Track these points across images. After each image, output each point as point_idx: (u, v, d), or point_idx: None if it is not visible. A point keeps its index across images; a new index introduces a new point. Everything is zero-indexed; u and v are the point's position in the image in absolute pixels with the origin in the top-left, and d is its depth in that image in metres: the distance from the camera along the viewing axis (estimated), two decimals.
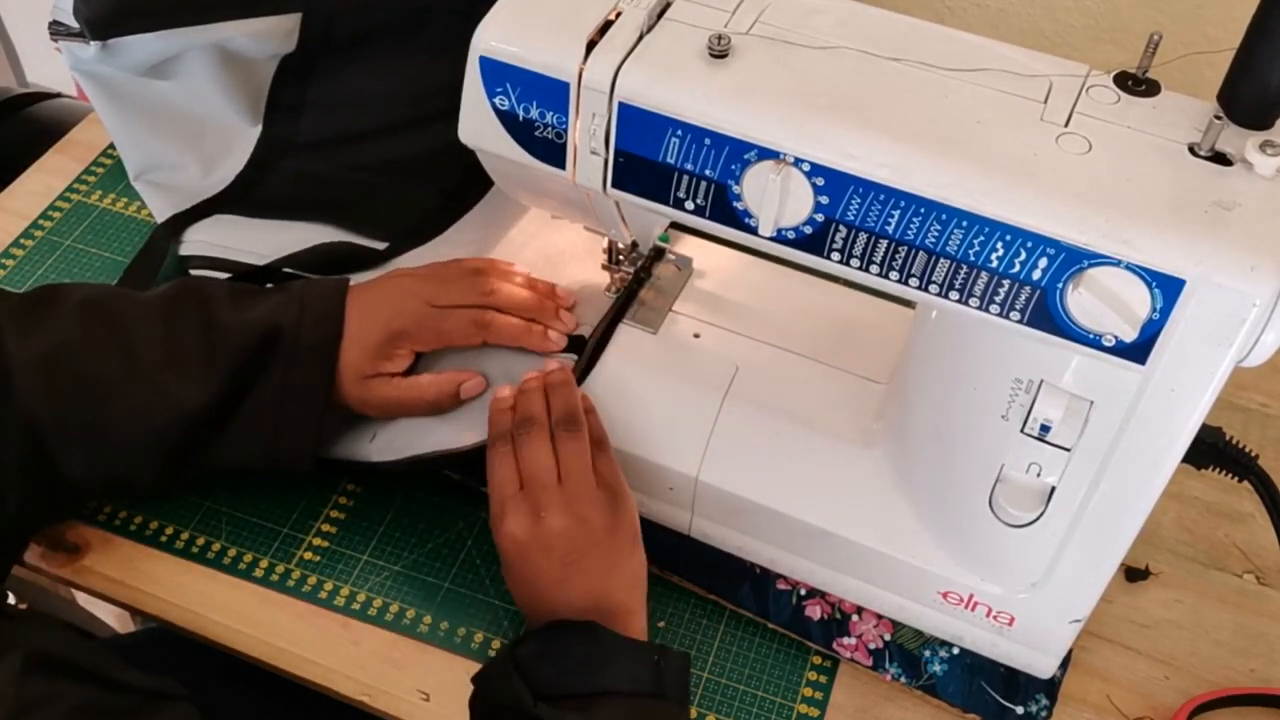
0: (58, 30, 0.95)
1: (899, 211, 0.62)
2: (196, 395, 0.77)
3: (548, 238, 0.94)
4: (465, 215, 0.98)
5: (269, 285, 0.86)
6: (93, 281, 0.82)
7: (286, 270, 0.94)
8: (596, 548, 0.74)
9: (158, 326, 0.78)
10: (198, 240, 0.98)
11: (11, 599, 0.69)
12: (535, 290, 0.86)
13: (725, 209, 0.66)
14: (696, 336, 0.85)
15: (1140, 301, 0.59)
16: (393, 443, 0.84)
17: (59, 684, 0.62)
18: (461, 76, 0.69)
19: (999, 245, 0.60)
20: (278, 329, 0.78)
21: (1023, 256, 0.60)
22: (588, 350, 0.84)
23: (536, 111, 0.67)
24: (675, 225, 0.88)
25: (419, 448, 0.83)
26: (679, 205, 0.67)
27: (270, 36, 0.95)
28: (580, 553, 0.73)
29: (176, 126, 1.02)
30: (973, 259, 0.61)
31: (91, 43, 0.92)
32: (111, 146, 1.10)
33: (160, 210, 1.01)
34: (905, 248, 0.63)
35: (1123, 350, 0.61)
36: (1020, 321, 0.62)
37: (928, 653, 0.81)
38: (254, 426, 0.79)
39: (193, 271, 0.96)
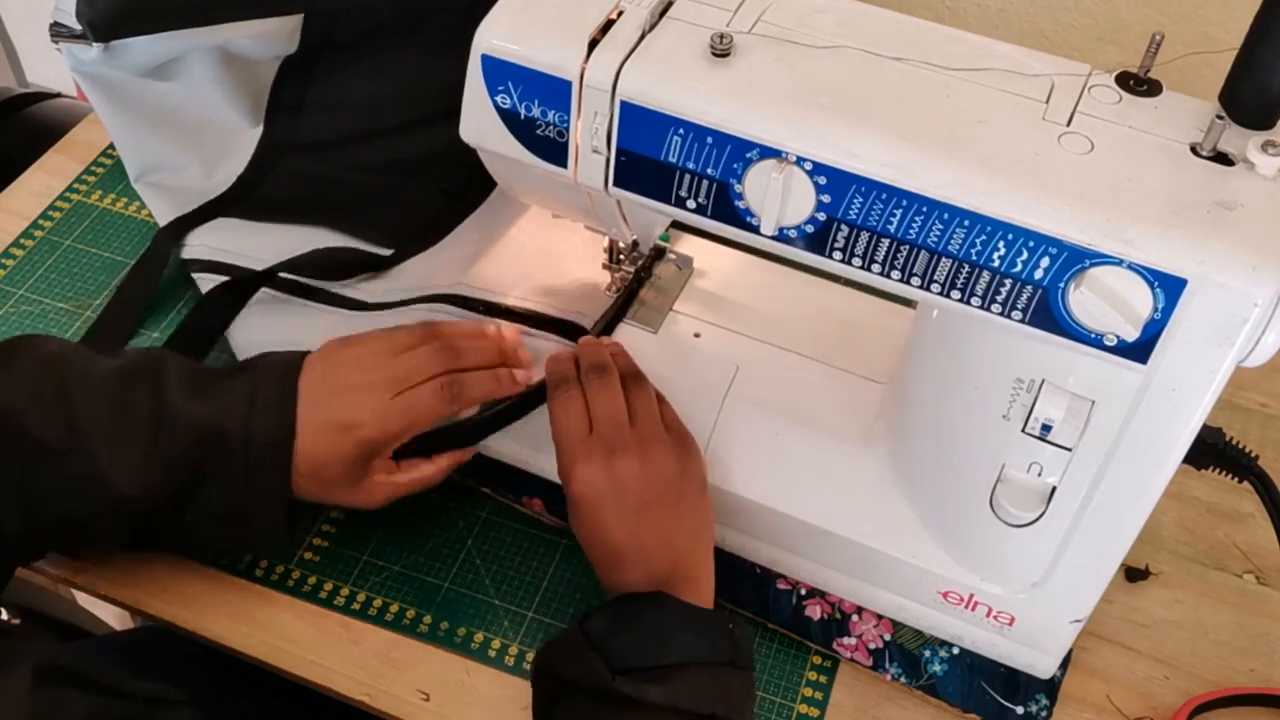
0: (59, 32, 0.95)
1: (901, 211, 0.62)
2: (131, 481, 0.72)
3: (548, 238, 0.94)
4: (468, 218, 0.98)
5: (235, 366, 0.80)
6: (59, 338, 0.77)
7: (283, 276, 0.93)
8: (669, 491, 0.74)
9: (106, 399, 0.73)
10: (200, 244, 0.98)
11: (4, 614, 0.69)
12: (487, 337, 0.82)
13: (727, 208, 0.66)
14: (697, 336, 0.85)
15: (1142, 301, 0.59)
16: None
17: (67, 693, 0.62)
18: (463, 76, 0.69)
19: (1001, 245, 0.60)
20: (222, 432, 0.73)
21: (1024, 256, 0.60)
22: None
23: (538, 110, 0.67)
24: (676, 225, 0.88)
25: None
26: (681, 204, 0.67)
27: (272, 38, 0.95)
28: (653, 496, 0.73)
29: (177, 127, 1.02)
30: (974, 258, 0.61)
31: (94, 44, 0.92)
32: (111, 146, 1.09)
33: (161, 212, 1.01)
34: (907, 247, 0.63)
35: (1124, 350, 0.61)
36: (1022, 321, 0.62)
37: (928, 653, 0.81)
38: (216, 522, 0.75)
39: (195, 275, 0.96)
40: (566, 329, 0.85)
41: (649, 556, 0.73)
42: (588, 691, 0.68)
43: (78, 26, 0.93)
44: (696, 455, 0.77)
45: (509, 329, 0.84)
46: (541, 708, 0.72)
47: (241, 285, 0.93)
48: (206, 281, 0.95)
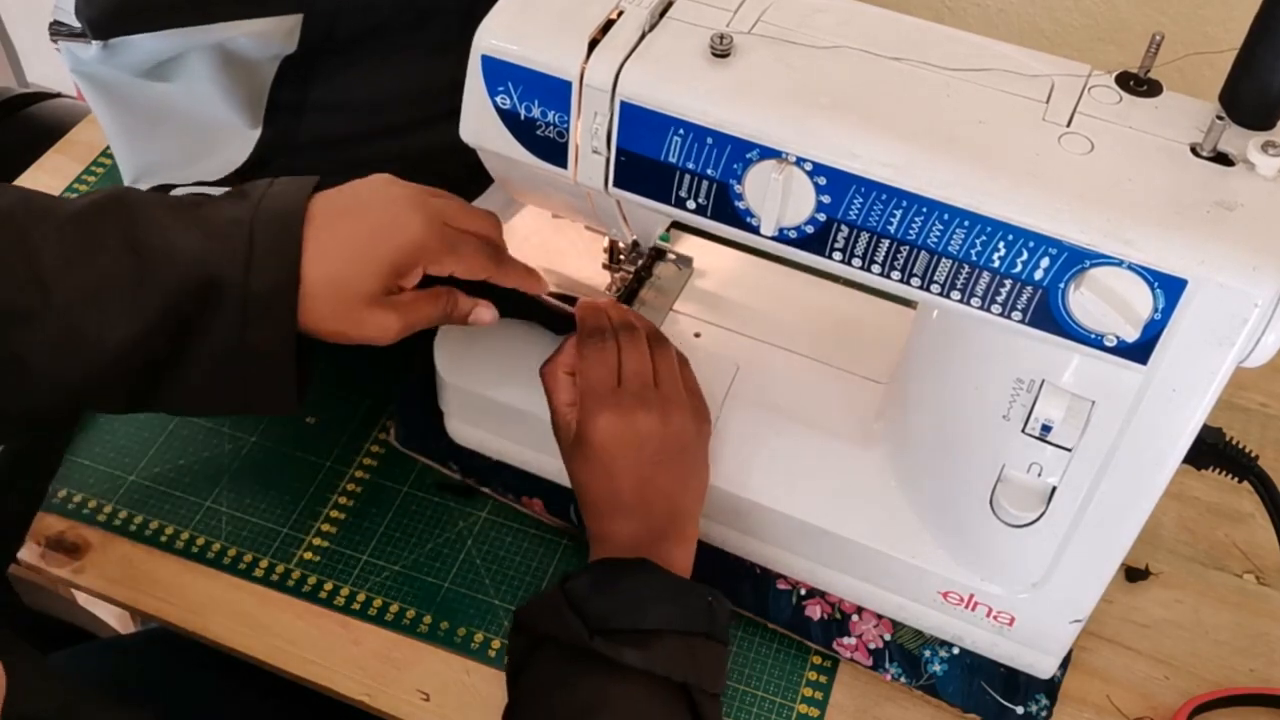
0: (58, 31, 0.94)
1: (901, 211, 0.62)
2: (118, 334, 0.65)
3: (548, 237, 0.93)
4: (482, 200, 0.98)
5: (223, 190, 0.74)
6: (18, 186, 0.70)
7: None
8: (683, 453, 0.75)
9: (74, 248, 0.66)
10: None
11: None
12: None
13: (727, 208, 0.66)
14: (697, 336, 0.85)
15: (1142, 301, 0.59)
16: None
17: None
18: (462, 76, 0.69)
19: (1001, 245, 0.60)
20: (218, 282, 0.66)
21: (1024, 256, 0.60)
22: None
23: (538, 110, 0.67)
24: (676, 225, 0.88)
25: None
26: (680, 204, 0.67)
27: (271, 37, 0.95)
28: (666, 454, 0.74)
29: (175, 128, 1.01)
30: (974, 259, 0.61)
31: (93, 43, 0.92)
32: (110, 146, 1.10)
33: None
34: (907, 247, 0.63)
35: (1124, 350, 0.61)
36: (1022, 321, 0.62)
37: (928, 653, 0.81)
38: (213, 380, 0.69)
39: None
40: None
41: (650, 510, 0.74)
42: (564, 648, 0.69)
43: (77, 25, 0.93)
44: (708, 420, 0.78)
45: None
46: (516, 660, 0.72)
47: None
48: None
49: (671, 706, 0.68)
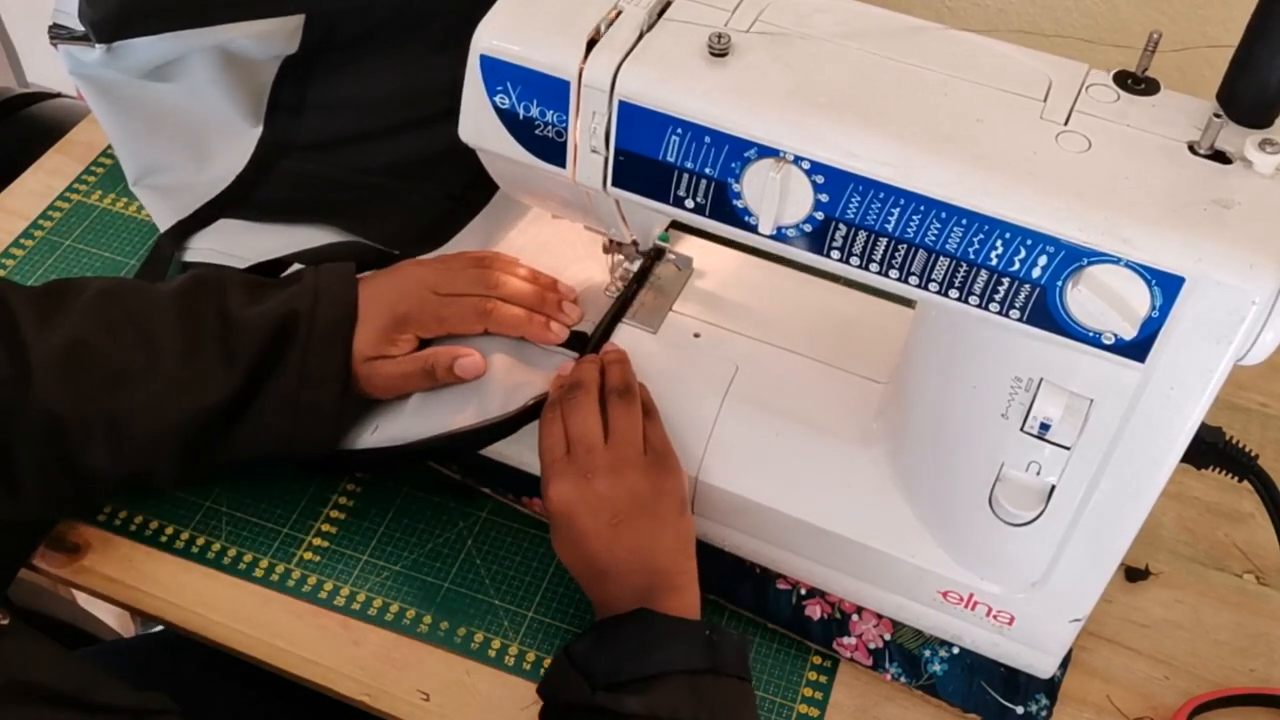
0: (59, 34, 0.95)
1: (899, 209, 0.62)
2: (216, 390, 0.77)
3: (548, 238, 0.93)
4: (471, 221, 0.98)
5: (282, 275, 0.87)
6: (96, 276, 0.82)
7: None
8: (642, 510, 0.75)
9: (175, 319, 0.78)
10: (202, 247, 0.98)
11: None
12: (538, 283, 0.86)
13: (725, 207, 0.66)
14: (696, 336, 0.85)
15: (1139, 299, 0.59)
16: (393, 432, 0.84)
17: (41, 711, 0.62)
18: (462, 76, 0.69)
19: (998, 243, 0.60)
20: (294, 316, 0.79)
21: (1022, 254, 0.60)
22: (589, 348, 0.84)
23: (537, 110, 0.67)
24: (675, 225, 0.88)
25: (421, 432, 0.83)
26: (679, 204, 0.68)
27: (273, 38, 0.95)
28: (626, 515, 0.74)
29: (176, 128, 1.02)
30: (972, 257, 0.61)
31: (96, 45, 0.92)
32: (111, 147, 1.10)
33: (161, 215, 1.00)
34: (905, 246, 0.63)
35: (1122, 348, 0.61)
36: (1020, 320, 0.62)
37: (928, 652, 0.81)
38: (271, 416, 0.79)
39: None
40: (570, 339, 0.85)
41: (626, 572, 0.74)
42: (576, 711, 0.69)
43: (78, 28, 0.93)
44: (675, 473, 0.77)
45: (564, 285, 0.87)
46: None
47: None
48: None
49: None
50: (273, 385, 0.78)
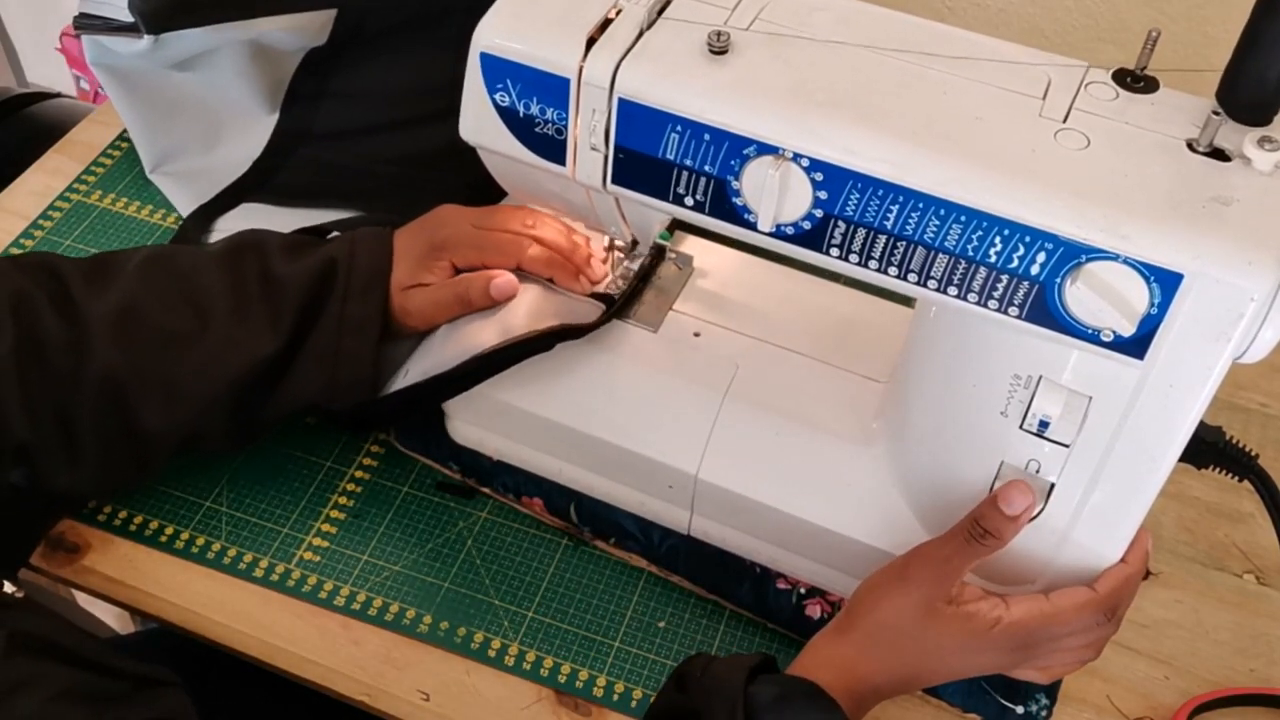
0: (88, 23, 0.95)
1: (898, 207, 0.62)
2: (265, 345, 0.79)
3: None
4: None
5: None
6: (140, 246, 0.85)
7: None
8: (979, 644, 0.70)
9: (223, 279, 0.80)
10: (227, 230, 0.99)
11: (9, 588, 0.69)
12: (572, 238, 0.87)
13: (724, 205, 0.66)
14: (697, 335, 0.85)
15: (1138, 296, 0.59)
16: (423, 367, 0.84)
17: (45, 665, 0.62)
18: None
19: (997, 240, 0.60)
20: (332, 263, 0.81)
21: (1021, 251, 0.60)
22: (610, 313, 0.84)
23: (537, 108, 0.68)
24: (676, 224, 0.89)
25: (449, 361, 0.83)
26: (678, 201, 0.68)
27: (305, 30, 0.96)
28: (973, 642, 0.70)
29: (194, 115, 1.03)
30: (971, 254, 0.61)
31: (144, 36, 0.92)
32: (111, 146, 1.10)
33: (180, 200, 1.03)
34: (904, 243, 0.63)
35: (1121, 345, 0.61)
36: (1019, 317, 0.62)
37: None
38: (315, 363, 0.81)
39: None
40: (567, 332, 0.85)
41: (908, 655, 0.70)
42: None
43: (116, 18, 0.93)
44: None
45: (596, 244, 0.88)
46: (660, 709, 0.71)
47: None
48: None
49: None
50: (315, 335, 0.81)
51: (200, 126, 1.03)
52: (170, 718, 0.66)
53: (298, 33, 0.97)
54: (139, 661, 0.68)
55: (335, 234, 0.88)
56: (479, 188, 0.96)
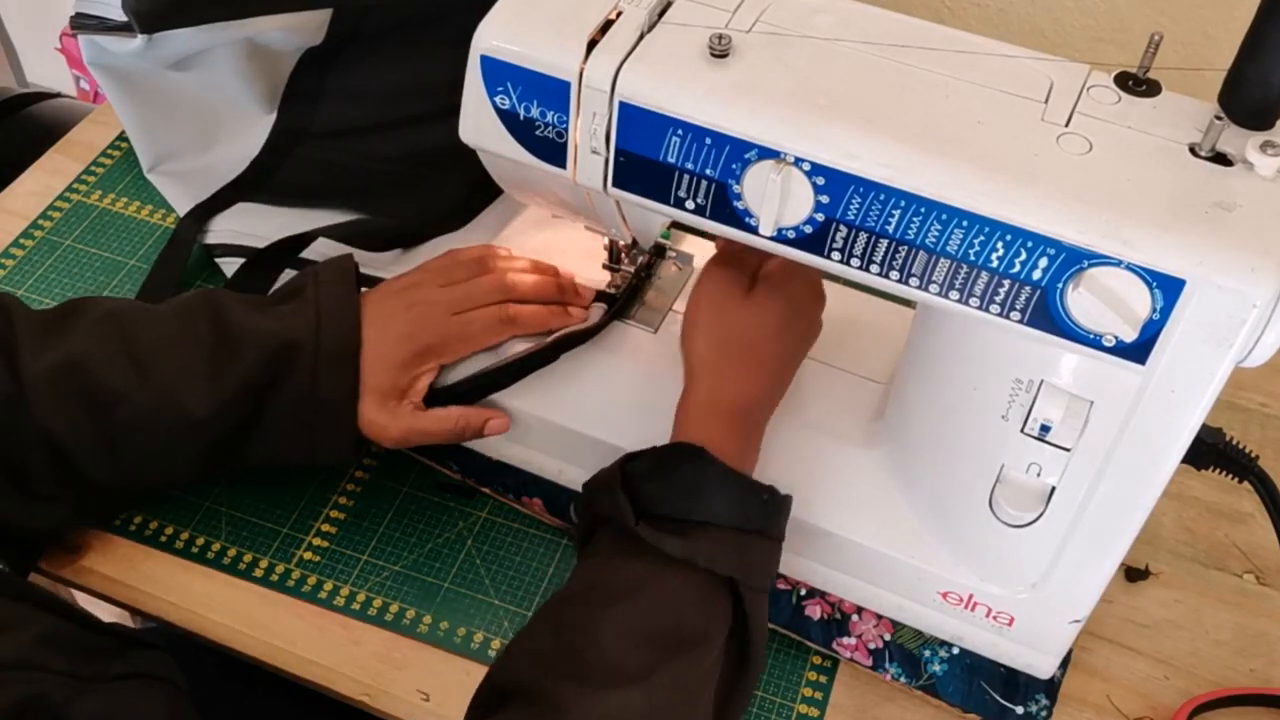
0: (84, 23, 0.95)
1: (899, 211, 0.62)
2: (204, 403, 0.75)
3: (547, 237, 0.93)
4: (483, 211, 0.99)
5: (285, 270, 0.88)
6: (115, 296, 0.82)
7: (304, 257, 0.95)
8: (798, 316, 0.78)
9: (169, 334, 0.77)
10: (223, 229, 0.99)
11: None
12: (543, 273, 0.86)
13: (726, 208, 0.66)
14: None
15: (1140, 302, 0.59)
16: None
17: (24, 609, 0.62)
18: None
19: (999, 245, 0.60)
20: (294, 344, 0.77)
21: (1023, 256, 0.60)
22: (611, 314, 0.85)
23: (537, 111, 0.67)
24: (676, 224, 0.88)
25: (455, 377, 0.83)
26: (679, 205, 0.67)
27: (301, 30, 0.96)
28: (789, 316, 0.77)
29: (192, 115, 1.03)
30: (973, 259, 0.61)
31: (137, 36, 0.92)
32: (111, 146, 1.10)
33: (178, 200, 1.02)
34: (905, 247, 0.63)
35: (1123, 350, 0.61)
36: (1020, 321, 0.62)
37: (928, 653, 0.81)
38: (287, 433, 0.79)
39: (218, 260, 0.98)
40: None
41: (750, 365, 0.75)
42: (615, 530, 0.69)
43: (111, 17, 0.93)
44: (817, 320, 0.81)
45: (564, 271, 0.88)
46: (581, 534, 0.74)
47: (267, 262, 0.95)
48: (230, 266, 0.97)
49: (711, 598, 0.68)
50: (277, 405, 0.77)
51: (198, 126, 1.03)
52: (153, 675, 0.67)
53: (293, 32, 0.96)
54: (154, 650, 0.68)
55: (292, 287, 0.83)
56: (479, 186, 0.97)
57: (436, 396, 0.83)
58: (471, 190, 0.99)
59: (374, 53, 1.00)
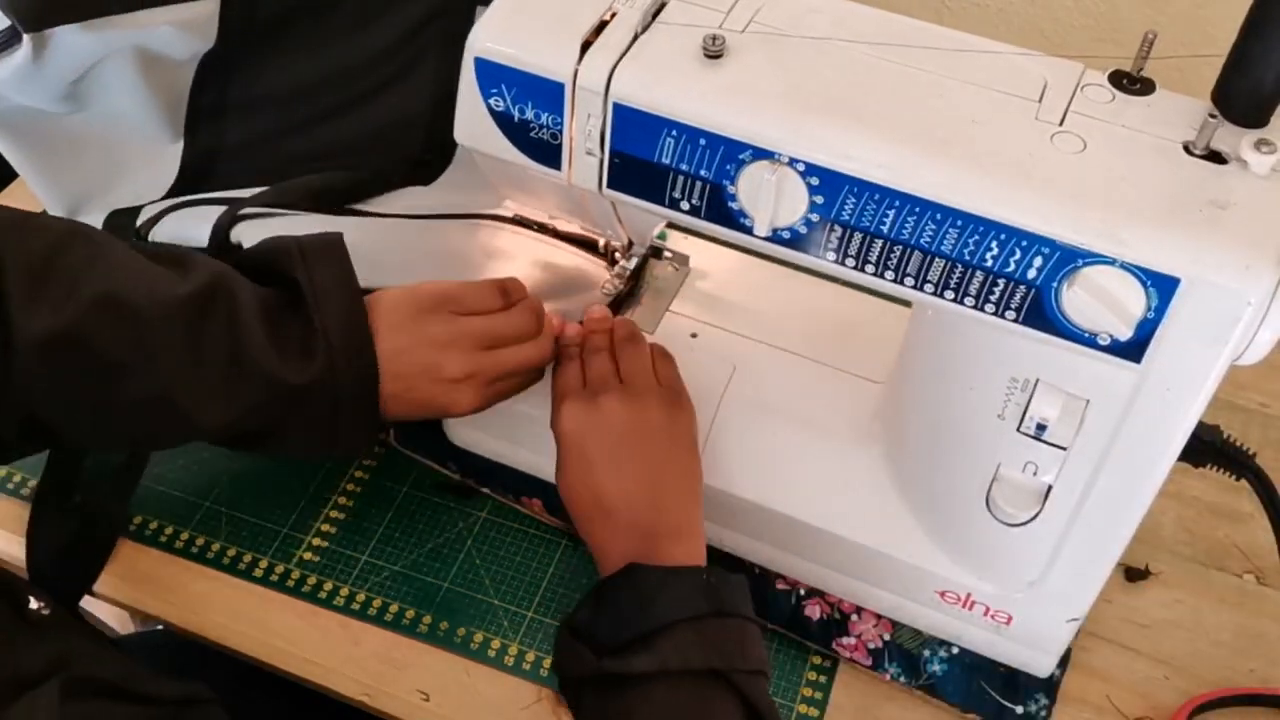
0: None
1: (894, 211, 0.62)
2: (214, 419, 0.71)
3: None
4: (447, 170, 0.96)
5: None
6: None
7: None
8: (652, 438, 0.74)
9: (180, 331, 0.70)
10: (162, 231, 0.94)
11: (34, 603, 0.68)
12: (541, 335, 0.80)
13: (721, 209, 0.66)
14: (694, 336, 0.85)
15: (1135, 300, 0.59)
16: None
17: (98, 704, 0.62)
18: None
19: (994, 244, 0.60)
20: (309, 389, 0.72)
21: (1018, 255, 0.60)
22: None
23: (532, 112, 0.67)
24: (672, 225, 0.88)
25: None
26: (674, 205, 0.68)
27: (192, 28, 0.90)
28: (635, 439, 0.74)
29: (95, 154, 0.97)
30: (968, 258, 0.61)
31: (21, 47, 0.86)
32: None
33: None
34: (900, 247, 0.63)
35: (1118, 349, 0.61)
36: (1016, 321, 0.62)
37: (927, 652, 0.81)
38: (299, 441, 0.75)
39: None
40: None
41: (630, 507, 0.72)
42: (589, 683, 0.68)
43: None
44: (688, 410, 0.77)
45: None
46: (573, 708, 0.72)
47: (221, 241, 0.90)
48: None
49: (708, 697, 0.66)
50: (287, 433, 0.74)
51: (104, 165, 0.96)
52: None
53: (185, 30, 0.89)
54: (174, 678, 0.68)
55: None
56: (420, 163, 0.93)
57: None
58: (411, 168, 0.95)
59: (274, 53, 0.95)
